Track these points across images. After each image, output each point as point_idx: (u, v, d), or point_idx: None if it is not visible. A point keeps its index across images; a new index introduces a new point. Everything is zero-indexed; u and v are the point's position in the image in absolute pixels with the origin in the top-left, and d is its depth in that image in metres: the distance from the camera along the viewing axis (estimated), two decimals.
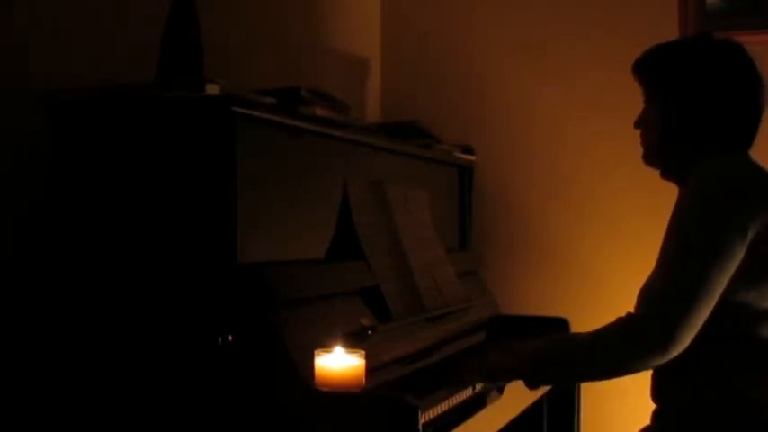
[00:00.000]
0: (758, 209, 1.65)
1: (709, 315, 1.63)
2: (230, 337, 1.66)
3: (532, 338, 2.12)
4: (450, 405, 1.85)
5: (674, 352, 1.61)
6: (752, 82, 1.77)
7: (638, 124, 1.88)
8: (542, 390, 2.42)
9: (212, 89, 1.67)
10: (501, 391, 2.04)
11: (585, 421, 2.79)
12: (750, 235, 1.63)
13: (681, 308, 1.60)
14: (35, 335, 1.80)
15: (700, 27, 2.91)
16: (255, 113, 1.74)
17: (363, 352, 1.64)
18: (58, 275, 1.79)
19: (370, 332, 1.88)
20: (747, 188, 1.68)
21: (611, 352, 1.69)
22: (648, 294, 1.69)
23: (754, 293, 1.66)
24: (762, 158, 1.80)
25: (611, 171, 3.02)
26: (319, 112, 1.92)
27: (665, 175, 1.86)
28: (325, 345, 1.65)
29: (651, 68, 1.84)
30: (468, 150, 2.91)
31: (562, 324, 2.68)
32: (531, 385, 1.82)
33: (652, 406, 1.83)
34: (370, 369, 1.69)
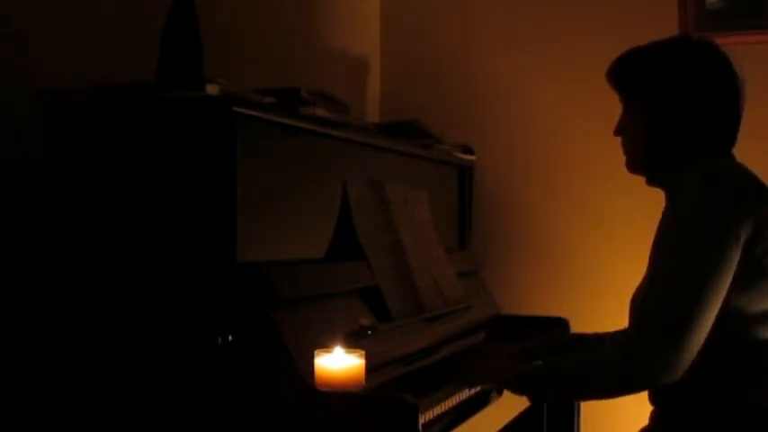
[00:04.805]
0: (747, 213, 1.63)
1: None
2: (230, 337, 1.66)
3: (533, 341, 2.13)
4: (450, 405, 1.85)
5: (683, 369, 1.59)
6: (729, 81, 1.74)
7: (618, 132, 1.85)
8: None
9: (212, 89, 1.67)
10: (501, 391, 2.04)
11: (585, 421, 2.79)
12: (743, 236, 1.62)
13: (683, 330, 1.57)
14: (35, 335, 1.80)
15: (699, 27, 2.91)
16: (255, 113, 1.74)
17: (363, 352, 1.64)
18: (58, 275, 1.79)
19: (370, 332, 1.88)
20: (735, 195, 1.66)
21: (616, 383, 1.66)
22: (648, 316, 1.65)
23: (746, 297, 1.65)
24: (747, 159, 1.79)
25: (610, 171, 3.00)
26: (319, 112, 1.92)
27: (651, 181, 1.85)
28: (325, 345, 1.65)
29: (626, 75, 1.81)
30: (468, 150, 2.91)
31: (562, 324, 2.68)
32: (534, 401, 1.83)
33: (650, 407, 1.83)
34: (370, 369, 1.69)
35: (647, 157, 1.81)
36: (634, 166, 1.84)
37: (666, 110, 1.76)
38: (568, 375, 1.74)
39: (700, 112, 1.74)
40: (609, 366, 1.67)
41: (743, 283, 1.64)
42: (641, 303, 1.74)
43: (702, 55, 1.76)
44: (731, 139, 1.78)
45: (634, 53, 1.82)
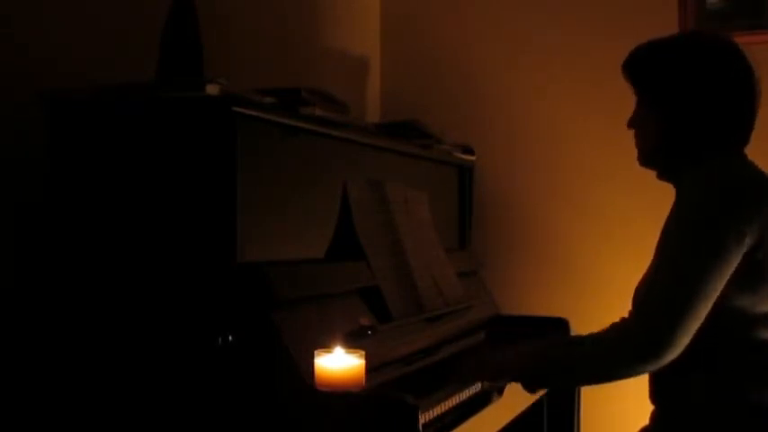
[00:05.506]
0: (754, 213, 1.63)
1: (708, 319, 1.62)
2: (230, 337, 1.66)
3: (533, 341, 2.13)
4: (450, 405, 1.85)
5: (669, 357, 1.61)
6: (745, 78, 1.73)
7: (631, 124, 1.85)
8: (541, 391, 2.42)
9: (212, 89, 1.67)
10: (501, 391, 2.04)
11: (585, 421, 2.79)
12: (747, 240, 1.62)
13: (675, 314, 1.60)
14: (35, 335, 1.80)
15: (699, 27, 2.91)
16: (255, 113, 1.74)
17: (363, 352, 1.64)
18: (58, 275, 1.79)
19: (370, 332, 1.88)
20: (743, 192, 1.66)
21: (608, 358, 1.68)
22: (643, 300, 1.68)
23: (750, 298, 1.65)
24: (758, 158, 1.79)
25: (611, 171, 3.02)
26: (319, 112, 1.92)
27: (662, 176, 1.85)
28: (326, 345, 1.65)
29: (641, 68, 1.81)
30: (468, 150, 2.91)
31: (562, 324, 2.67)
32: (529, 389, 1.82)
33: (651, 406, 1.83)
34: (370, 369, 1.69)
35: (656, 151, 1.81)
36: (645, 160, 1.84)
37: (677, 106, 1.75)
38: (566, 354, 1.76)
39: (710, 111, 1.73)
40: (607, 345, 1.69)
41: (746, 285, 1.64)
42: (642, 294, 1.75)
43: (718, 52, 1.75)
44: (742, 139, 1.77)
45: (649, 46, 1.81)
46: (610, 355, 1.68)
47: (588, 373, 1.77)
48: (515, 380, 1.86)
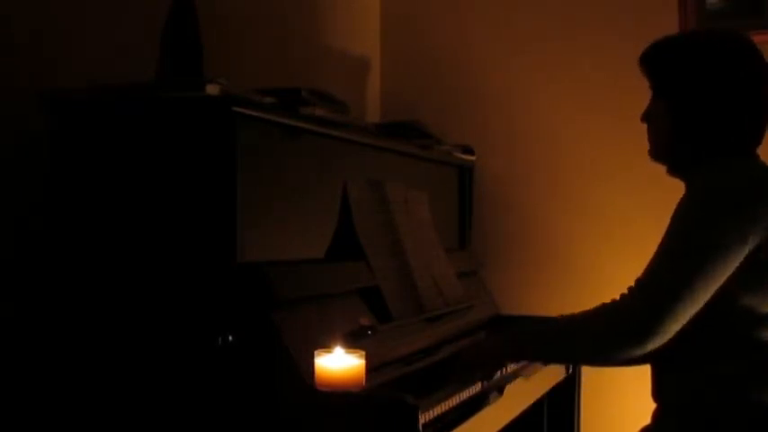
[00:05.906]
0: (760, 215, 1.63)
1: (711, 318, 1.62)
2: (230, 337, 1.66)
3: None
4: (450, 405, 1.85)
5: (652, 344, 1.60)
6: (761, 78, 1.74)
7: (644, 118, 1.85)
8: (542, 389, 2.42)
9: (212, 89, 1.67)
10: (501, 391, 2.04)
11: (585, 421, 2.79)
12: (751, 240, 1.62)
13: (663, 301, 1.60)
14: (35, 335, 1.80)
15: (700, 27, 2.90)
16: (255, 113, 1.74)
17: (363, 352, 1.64)
18: (58, 275, 1.79)
19: (370, 332, 1.88)
20: (747, 193, 1.66)
21: (592, 335, 1.69)
22: (636, 283, 1.68)
23: (756, 299, 1.65)
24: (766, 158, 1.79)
25: (611, 171, 3.02)
26: (319, 112, 1.92)
27: (672, 171, 1.84)
28: (326, 345, 1.65)
29: (659, 62, 1.81)
30: (468, 150, 2.91)
31: None
32: (513, 358, 1.84)
33: (652, 406, 1.83)
34: (370, 369, 1.69)
35: (668, 146, 1.81)
36: (656, 154, 1.84)
37: (692, 103, 1.75)
38: (555, 330, 1.79)
39: (724, 109, 1.73)
40: (599, 316, 1.69)
41: (748, 285, 1.64)
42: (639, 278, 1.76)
43: (736, 49, 1.75)
44: (755, 139, 1.77)
45: (670, 41, 1.81)
46: (593, 333, 1.68)
47: (570, 348, 1.78)
48: (501, 354, 1.88)
